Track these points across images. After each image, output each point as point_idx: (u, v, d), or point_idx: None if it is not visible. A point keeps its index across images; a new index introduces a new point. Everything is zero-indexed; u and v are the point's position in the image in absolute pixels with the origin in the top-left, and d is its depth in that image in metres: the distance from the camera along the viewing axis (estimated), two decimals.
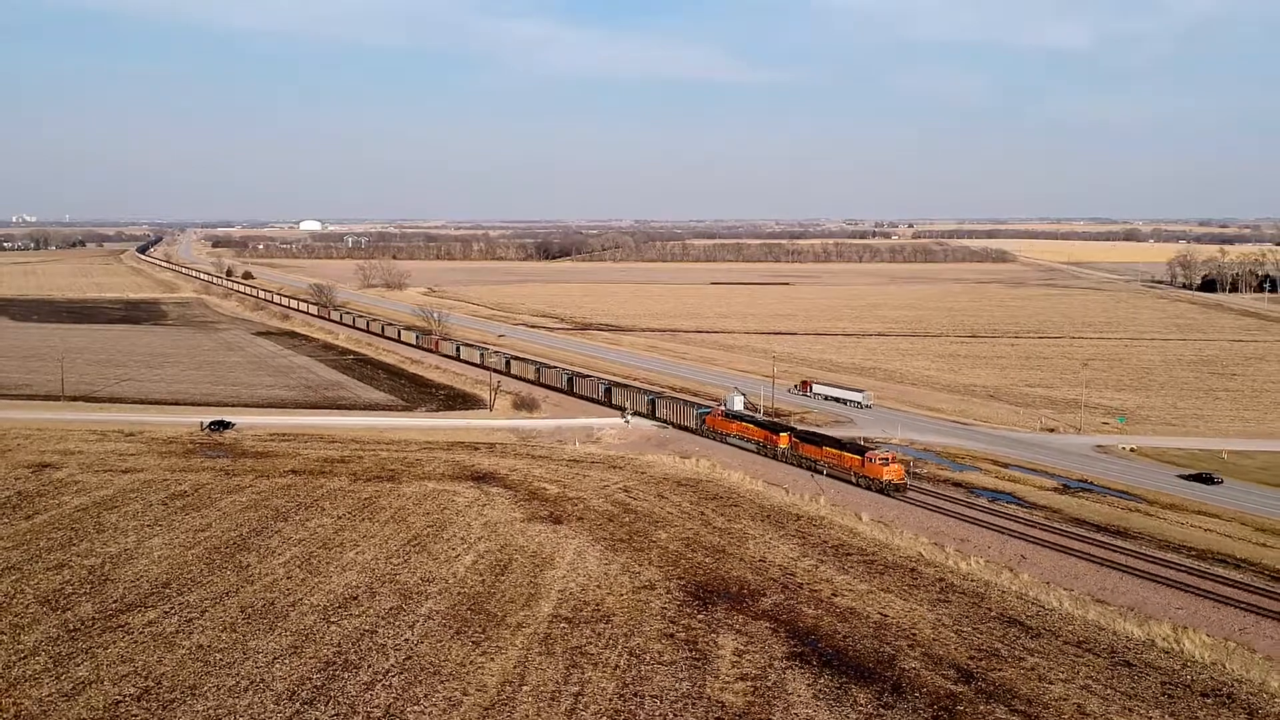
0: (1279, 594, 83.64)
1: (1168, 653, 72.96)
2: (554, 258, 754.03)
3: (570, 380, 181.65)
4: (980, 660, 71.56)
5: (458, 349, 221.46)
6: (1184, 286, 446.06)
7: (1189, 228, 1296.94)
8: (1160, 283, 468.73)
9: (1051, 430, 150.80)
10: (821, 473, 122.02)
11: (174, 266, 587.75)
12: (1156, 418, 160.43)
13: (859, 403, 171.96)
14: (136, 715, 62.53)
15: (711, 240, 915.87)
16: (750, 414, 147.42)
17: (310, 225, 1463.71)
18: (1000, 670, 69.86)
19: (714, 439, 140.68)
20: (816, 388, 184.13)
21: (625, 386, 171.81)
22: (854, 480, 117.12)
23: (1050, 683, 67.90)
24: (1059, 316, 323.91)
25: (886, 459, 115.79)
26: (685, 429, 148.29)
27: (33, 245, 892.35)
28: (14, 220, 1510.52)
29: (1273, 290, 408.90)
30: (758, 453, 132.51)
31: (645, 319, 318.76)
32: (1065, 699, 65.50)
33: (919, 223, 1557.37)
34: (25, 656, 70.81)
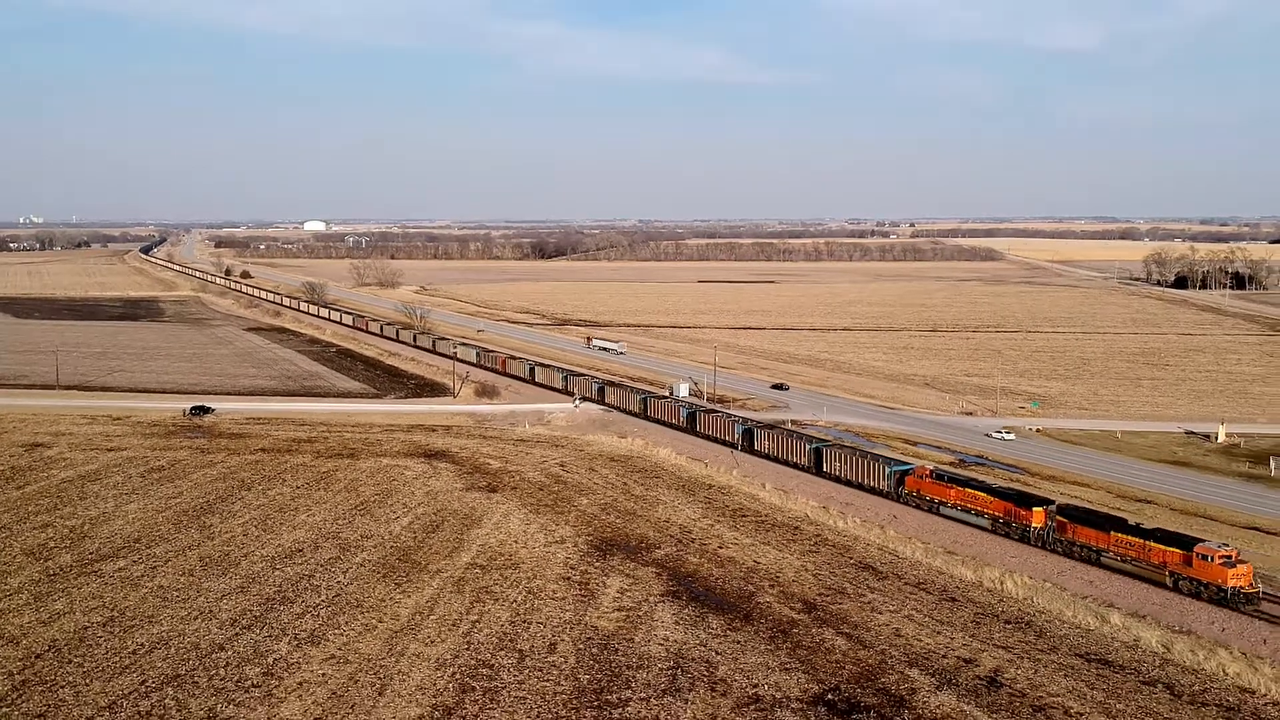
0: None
1: (990, 591, 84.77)
2: (549, 257, 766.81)
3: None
4: (827, 596, 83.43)
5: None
6: (1158, 284, 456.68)
7: (1189, 226, 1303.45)
8: (1137, 280, 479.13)
9: (969, 414, 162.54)
10: (1107, 567, 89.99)
11: (175, 266, 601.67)
12: (1073, 403, 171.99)
13: (617, 350, 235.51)
14: (100, 637, 74.44)
15: (706, 240, 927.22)
16: (979, 479, 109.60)
17: (315, 225, 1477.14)
18: (840, 604, 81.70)
19: (920, 508, 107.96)
20: (595, 341, 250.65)
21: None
22: (1170, 583, 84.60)
23: (880, 612, 79.73)
24: (1023, 312, 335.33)
25: (1229, 556, 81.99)
26: (671, 425, 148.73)
27: (38, 246, 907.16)
28: (21, 221, 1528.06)
29: (1240, 287, 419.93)
30: (993, 531, 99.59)
31: (624, 315, 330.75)
32: (887, 624, 77.30)
33: (923, 222, 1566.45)
34: (9, 595, 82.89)
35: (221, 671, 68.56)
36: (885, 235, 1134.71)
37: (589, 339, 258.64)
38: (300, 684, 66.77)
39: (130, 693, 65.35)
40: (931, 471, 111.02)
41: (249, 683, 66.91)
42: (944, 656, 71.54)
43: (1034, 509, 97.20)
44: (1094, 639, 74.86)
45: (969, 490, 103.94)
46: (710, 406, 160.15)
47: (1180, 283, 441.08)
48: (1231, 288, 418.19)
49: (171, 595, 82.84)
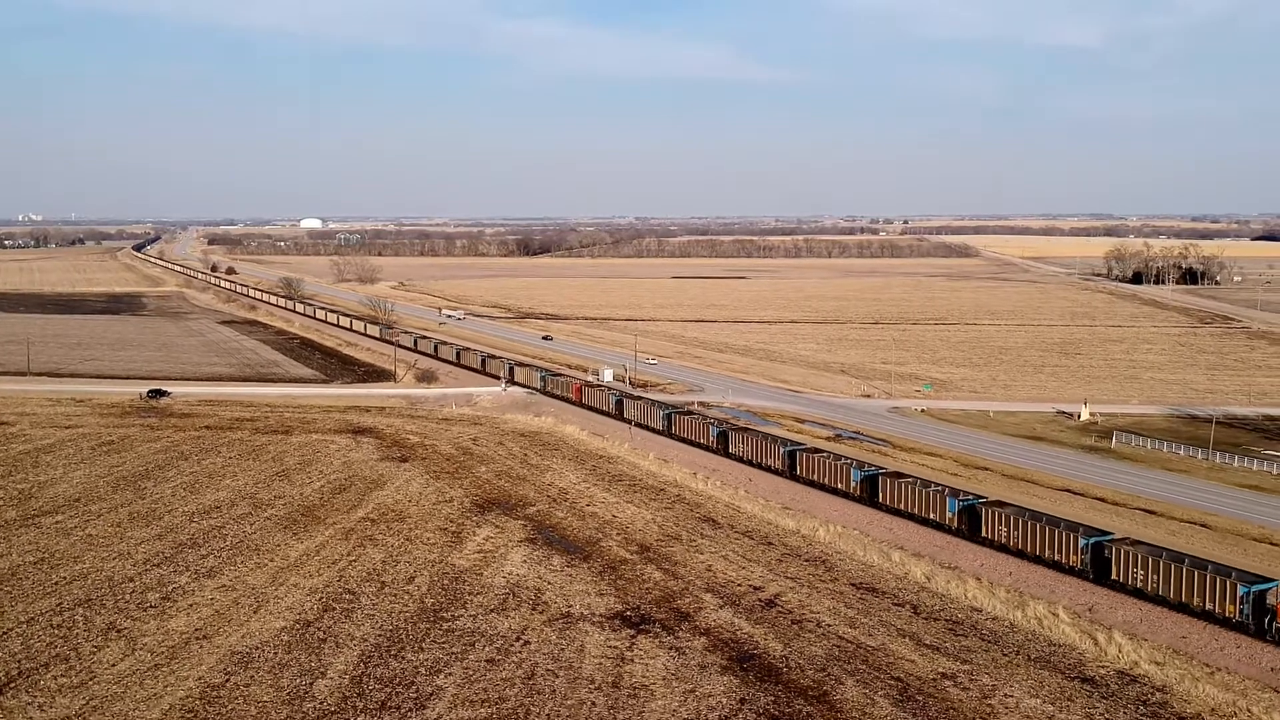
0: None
1: (805, 537, 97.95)
2: (534, 254, 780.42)
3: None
4: (662, 542, 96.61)
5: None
6: (1117, 279, 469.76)
7: (1178, 224, 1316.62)
8: (1098, 275, 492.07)
9: (868, 396, 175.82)
10: None
11: (164, 263, 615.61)
12: (967, 387, 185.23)
13: (458, 318, 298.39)
14: (29, 573, 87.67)
15: (690, 237, 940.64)
16: None
17: (311, 223, 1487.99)
18: (670, 547, 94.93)
19: None
20: (444, 311, 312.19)
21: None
22: None
23: (700, 553, 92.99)
24: (972, 306, 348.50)
25: None
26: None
27: (33, 243, 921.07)
28: (20, 219, 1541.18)
29: (1193, 282, 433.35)
30: None
31: (587, 309, 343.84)
32: (703, 562, 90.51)
33: (918, 219, 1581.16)
34: None
35: (127, 597, 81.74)
36: (875, 232, 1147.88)
37: (440, 309, 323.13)
38: (191, 605, 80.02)
39: (46, 611, 78.51)
40: None
41: (148, 604, 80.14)
42: (739, 585, 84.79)
43: None
44: (872, 572, 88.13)
45: None
46: (629, 390, 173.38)
47: (1136, 278, 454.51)
48: (1184, 283, 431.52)
49: (98, 542, 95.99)
